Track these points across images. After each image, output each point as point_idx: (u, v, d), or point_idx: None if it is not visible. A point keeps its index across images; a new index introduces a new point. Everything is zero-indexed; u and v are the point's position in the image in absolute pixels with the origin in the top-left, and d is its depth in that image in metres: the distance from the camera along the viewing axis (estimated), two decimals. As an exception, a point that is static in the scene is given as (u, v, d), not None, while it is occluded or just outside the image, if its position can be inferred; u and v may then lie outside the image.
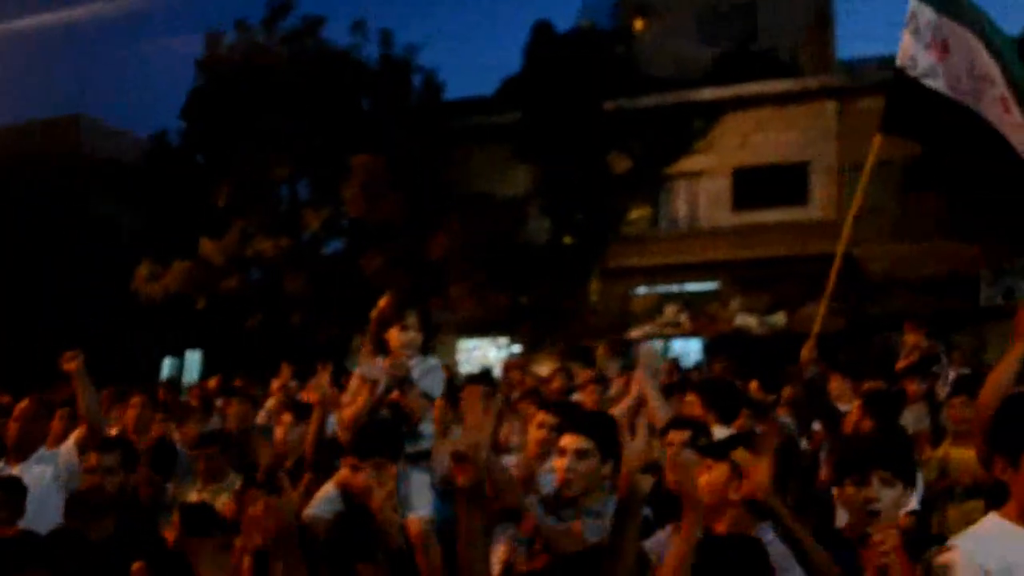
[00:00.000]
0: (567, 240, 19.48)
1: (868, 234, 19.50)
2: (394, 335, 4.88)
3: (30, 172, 19.78)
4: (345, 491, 4.09)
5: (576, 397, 9.23)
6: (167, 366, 21.95)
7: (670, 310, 19.20)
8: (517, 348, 19.91)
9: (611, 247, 19.63)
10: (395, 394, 4.74)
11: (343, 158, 18.41)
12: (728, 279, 19.39)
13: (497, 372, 19.59)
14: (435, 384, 4.88)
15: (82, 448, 5.23)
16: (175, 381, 22.01)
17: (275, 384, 10.79)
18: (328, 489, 4.23)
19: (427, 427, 4.79)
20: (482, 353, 21.03)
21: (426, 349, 5.16)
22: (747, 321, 18.65)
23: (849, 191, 19.99)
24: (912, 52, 6.62)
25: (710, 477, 3.45)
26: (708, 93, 20.14)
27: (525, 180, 19.75)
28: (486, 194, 19.54)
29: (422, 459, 4.61)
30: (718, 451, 3.51)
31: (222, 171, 18.81)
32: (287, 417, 5.90)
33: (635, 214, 20.00)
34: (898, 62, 6.56)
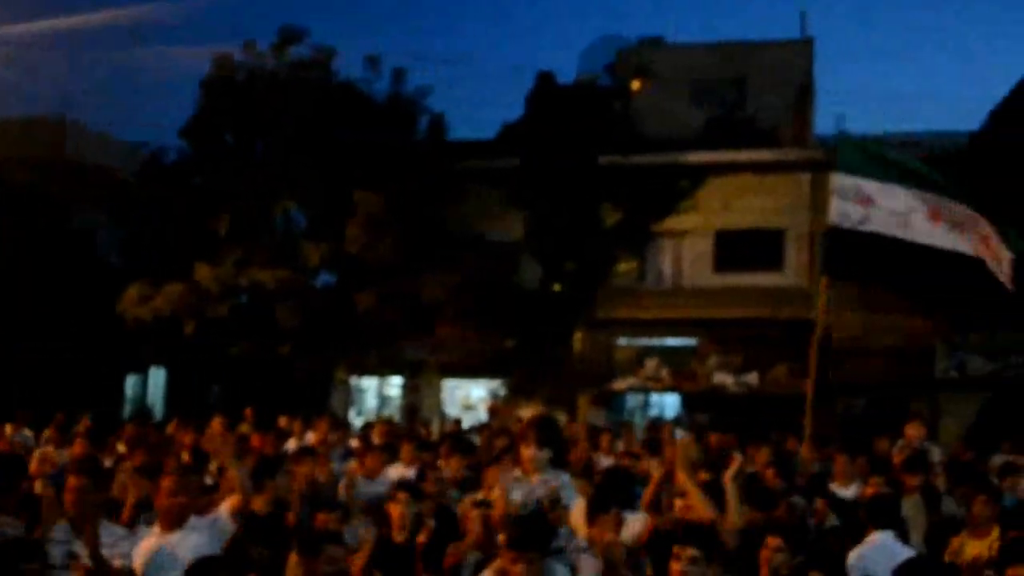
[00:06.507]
0: (556, 287, 20.40)
1: (834, 303, 21.10)
2: (526, 452, 6.15)
3: (8, 172, 19.55)
4: None
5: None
6: (130, 384, 21.94)
7: (651, 364, 20.34)
8: (502, 391, 20.72)
9: (598, 298, 20.64)
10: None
11: (344, 192, 18.92)
12: (706, 337, 20.66)
13: (481, 413, 20.46)
14: (568, 496, 6.14)
15: (236, 516, 5.76)
16: (140, 400, 22.07)
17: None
18: None
19: (563, 529, 5.98)
20: (464, 393, 21.78)
21: (558, 463, 6.34)
22: (723, 379, 19.95)
23: (819, 260, 21.57)
24: (841, 210, 9.76)
25: None
26: (695, 156, 21.44)
27: (520, 225, 20.62)
28: (481, 237, 20.31)
29: (558, 553, 5.71)
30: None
31: (220, 195, 19.05)
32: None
33: (623, 267, 21.11)
34: (831, 220, 9.94)
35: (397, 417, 19.97)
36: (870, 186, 10.22)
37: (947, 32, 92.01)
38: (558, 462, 6.38)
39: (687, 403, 20.74)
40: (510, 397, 20.25)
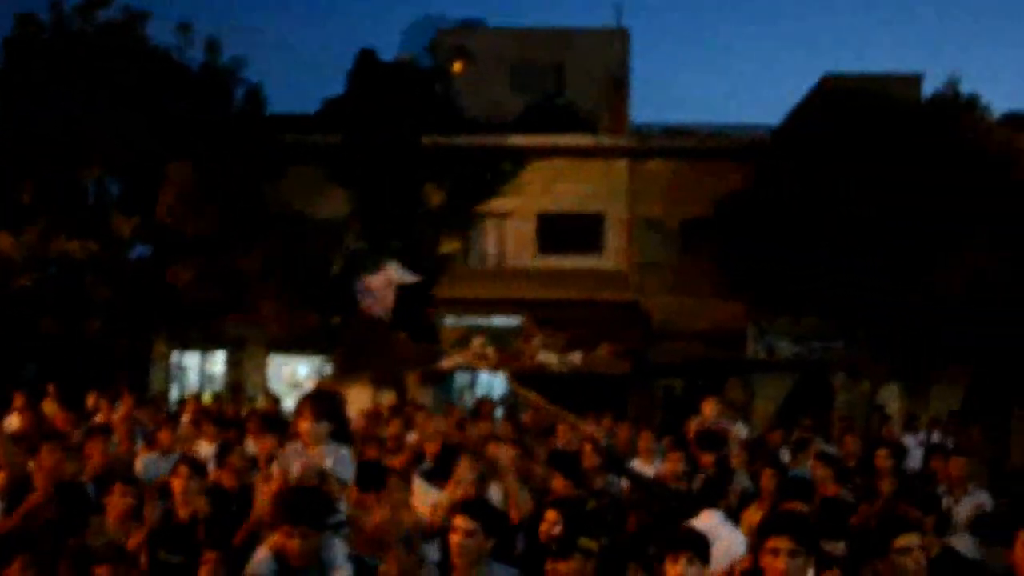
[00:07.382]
0: (382, 266, 20.33)
1: (653, 286, 21.90)
2: (303, 425, 5.99)
3: None
4: (279, 555, 5.00)
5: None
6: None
7: (477, 342, 20.57)
8: (328, 368, 20.54)
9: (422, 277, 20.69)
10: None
11: (158, 162, 18.31)
12: (530, 317, 21.03)
13: (307, 390, 20.15)
14: (346, 470, 6.04)
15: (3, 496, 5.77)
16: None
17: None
18: (264, 552, 5.17)
19: (341, 503, 5.89)
20: (291, 369, 21.49)
21: (339, 436, 6.17)
22: (548, 358, 20.38)
23: (636, 245, 22.36)
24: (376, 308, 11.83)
25: (567, 570, 4.57)
26: (515, 139, 21.83)
27: (343, 203, 20.45)
28: (302, 213, 20.02)
29: (338, 529, 5.60)
30: (566, 549, 4.73)
31: (25, 161, 18.08)
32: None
33: (447, 247, 21.24)
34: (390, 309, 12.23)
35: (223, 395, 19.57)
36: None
37: (755, 36, 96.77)
38: (340, 436, 6.27)
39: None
40: (337, 375, 20.08)
